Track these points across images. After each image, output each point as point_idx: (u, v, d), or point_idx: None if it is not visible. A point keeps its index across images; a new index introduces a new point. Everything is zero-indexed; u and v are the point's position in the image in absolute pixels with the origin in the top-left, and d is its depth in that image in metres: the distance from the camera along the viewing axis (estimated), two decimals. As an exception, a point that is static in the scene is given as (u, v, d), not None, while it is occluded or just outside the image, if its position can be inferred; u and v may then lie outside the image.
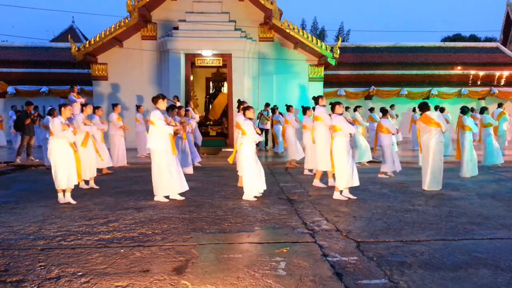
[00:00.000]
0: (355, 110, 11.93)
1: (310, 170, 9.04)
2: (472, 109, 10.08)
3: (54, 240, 4.46)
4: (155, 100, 6.55)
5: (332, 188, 7.15)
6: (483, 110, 10.59)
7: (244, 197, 6.55)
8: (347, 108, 15.49)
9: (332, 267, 3.66)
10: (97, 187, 7.59)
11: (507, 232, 4.74)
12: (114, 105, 10.56)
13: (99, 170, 8.38)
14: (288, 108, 10.62)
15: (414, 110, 14.20)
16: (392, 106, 14.75)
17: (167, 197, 6.50)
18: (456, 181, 8.19)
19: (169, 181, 6.36)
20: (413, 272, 3.55)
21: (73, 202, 6.30)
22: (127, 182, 8.28)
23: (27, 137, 11.19)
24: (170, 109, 7.72)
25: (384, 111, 9.11)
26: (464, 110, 9.11)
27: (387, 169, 8.77)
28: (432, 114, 7.44)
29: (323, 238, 4.50)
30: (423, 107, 7.49)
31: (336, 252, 4.07)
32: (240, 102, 8.83)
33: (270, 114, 13.41)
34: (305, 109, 9.33)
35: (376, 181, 8.24)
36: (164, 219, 5.30)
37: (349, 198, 6.54)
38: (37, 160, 11.21)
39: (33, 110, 11.58)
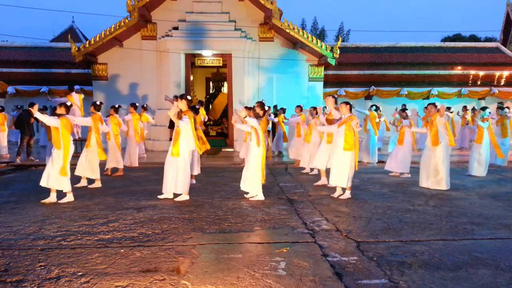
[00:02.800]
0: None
1: (312, 169, 9.12)
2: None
3: (54, 240, 4.46)
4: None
5: (332, 188, 7.15)
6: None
7: (260, 197, 6.55)
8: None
9: (332, 267, 3.66)
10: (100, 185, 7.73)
11: (507, 232, 4.74)
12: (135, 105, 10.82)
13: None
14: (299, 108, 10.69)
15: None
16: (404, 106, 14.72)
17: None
18: (456, 181, 8.19)
19: (164, 179, 6.55)
20: (413, 272, 3.55)
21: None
22: (127, 182, 8.28)
23: (27, 137, 11.20)
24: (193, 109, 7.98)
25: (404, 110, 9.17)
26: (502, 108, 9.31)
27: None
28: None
29: (323, 238, 4.50)
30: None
31: (336, 252, 4.07)
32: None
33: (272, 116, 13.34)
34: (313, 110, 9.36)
35: (376, 181, 8.24)
36: (164, 219, 5.30)
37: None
38: (37, 160, 11.21)
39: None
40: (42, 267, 3.67)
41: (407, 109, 9.18)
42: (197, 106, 9.56)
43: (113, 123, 8.82)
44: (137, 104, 10.86)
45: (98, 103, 8.13)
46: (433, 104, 7.68)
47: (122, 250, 4.12)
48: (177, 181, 6.46)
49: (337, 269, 3.63)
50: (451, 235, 4.62)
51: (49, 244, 4.31)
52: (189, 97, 6.66)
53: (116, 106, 9.38)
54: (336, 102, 7.77)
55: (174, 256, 3.96)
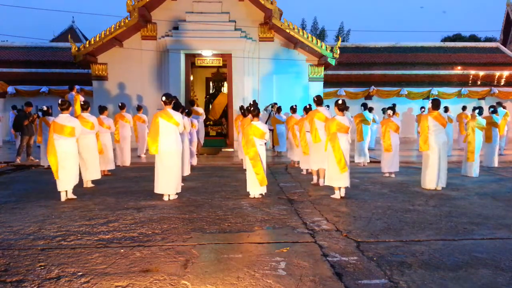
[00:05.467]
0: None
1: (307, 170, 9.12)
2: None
3: (54, 240, 4.46)
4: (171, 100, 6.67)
5: (328, 188, 7.15)
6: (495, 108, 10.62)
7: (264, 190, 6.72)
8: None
9: (332, 267, 3.66)
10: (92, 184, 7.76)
11: (507, 232, 4.74)
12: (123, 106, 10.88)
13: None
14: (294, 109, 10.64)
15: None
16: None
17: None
18: (456, 181, 8.19)
19: (156, 179, 6.55)
20: (413, 272, 3.55)
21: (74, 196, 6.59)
22: (127, 182, 8.28)
23: (27, 137, 11.20)
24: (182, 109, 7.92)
25: (393, 110, 9.11)
26: (496, 109, 9.21)
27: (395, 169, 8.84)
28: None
29: (323, 238, 4.50)
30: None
31: (336, 252, 4.06)
32: (254, 106, 8.27)
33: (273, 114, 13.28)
34: (308, 109, 9.34)
35: (376, 181, 8.23)
36: (164, 219, 5.30)
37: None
38: (37, 160, 11.21)
39: (32, 110, 11.61)
40: (42, 267, 3.67)
41: (391, 109, 9.11)
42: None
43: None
44: (119, 104, 10.92)
45: (82, 103, 8.13)
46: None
47: (122, 250, 4.12)
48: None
49: (337, 269, 3.63)
50: (451, 235, 4.62)
51: (49, 244, 4.31)
52: (163, 98, 6.60)
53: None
54: (318, 103, 7.64)
55: (174, 256, 3.96)
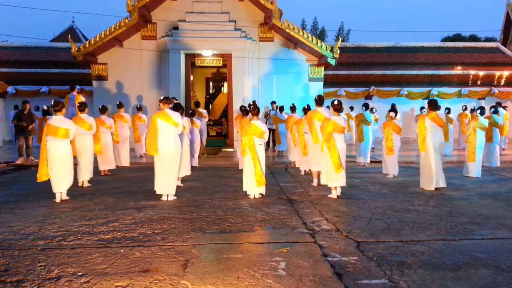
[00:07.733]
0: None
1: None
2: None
3: (54, 240, 4.46)
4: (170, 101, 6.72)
5: (328, 188, 7.14)
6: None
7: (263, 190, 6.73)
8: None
9: (332, 267, 3.66)
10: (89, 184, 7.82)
11: (507, 232, 4.74)
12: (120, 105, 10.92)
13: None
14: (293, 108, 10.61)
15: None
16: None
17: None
18: (456, 181, 8.19)
19: (156, 179, 6.57)
20: (413, 272, 3.55)
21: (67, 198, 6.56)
22: (127, 182, 8.28)
23: (22, 137, 11.10)
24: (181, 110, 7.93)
25: (395, 111, 9.06)
26: (497, 109, 9.16)
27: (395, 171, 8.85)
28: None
29: (323, 238, 4.50)
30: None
31: (336, 252, 4.06)
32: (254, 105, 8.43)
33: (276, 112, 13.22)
34: (306, 110, 9.32)
35: (376, 181, 8.23)
36: (164, 219, 5.30)
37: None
38: (37, 160, 11.19)
39: (30, 108, 11.57)
40: (42, 267, 3.67)
41: (393, 110, 9.06)
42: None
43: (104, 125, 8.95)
44: (117, 103, 10.95)
45: (78, 104, 8.13)
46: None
47: (122, 250, 4.12)
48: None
49: (337, 269, 3.63)
50: (451, 235, 4.62)
51: (49, 244, 4.31)
52: (161, 97, 6.72)
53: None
54: (319, 103, 7.66)
55: (174, 256, 3.96)
